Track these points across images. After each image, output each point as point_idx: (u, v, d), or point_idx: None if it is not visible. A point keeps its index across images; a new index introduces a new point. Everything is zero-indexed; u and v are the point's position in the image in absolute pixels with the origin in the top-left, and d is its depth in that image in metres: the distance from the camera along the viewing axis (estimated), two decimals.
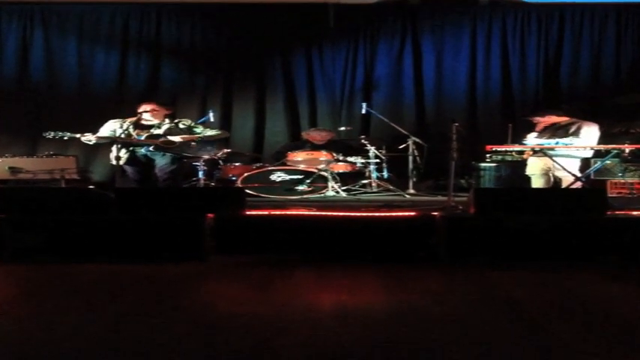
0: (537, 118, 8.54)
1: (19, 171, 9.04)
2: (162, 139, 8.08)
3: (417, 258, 5.36)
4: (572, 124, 8.13)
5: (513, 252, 5.31)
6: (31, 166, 9.14)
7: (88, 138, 7.96)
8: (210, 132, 8.55)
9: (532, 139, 8.03)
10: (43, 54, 11.39)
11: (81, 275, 4.85)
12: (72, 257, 5.31)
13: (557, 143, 7.73)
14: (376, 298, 4.15)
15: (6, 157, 9.31)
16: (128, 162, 8.08)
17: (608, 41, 11.34)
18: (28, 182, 8.97)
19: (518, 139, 8.01)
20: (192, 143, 8.24)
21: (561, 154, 7.75)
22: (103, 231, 5.48)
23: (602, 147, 7.76)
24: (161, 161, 8.15)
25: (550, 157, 7.72)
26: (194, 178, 9.15)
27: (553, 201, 5.89)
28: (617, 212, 6.00)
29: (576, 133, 7.91)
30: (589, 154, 8.00)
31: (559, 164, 7.67)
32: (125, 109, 9.10)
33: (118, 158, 7.75)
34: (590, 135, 7.92)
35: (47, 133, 8.03)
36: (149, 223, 5.50)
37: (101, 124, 8.27)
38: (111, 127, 8.13)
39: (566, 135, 7.91)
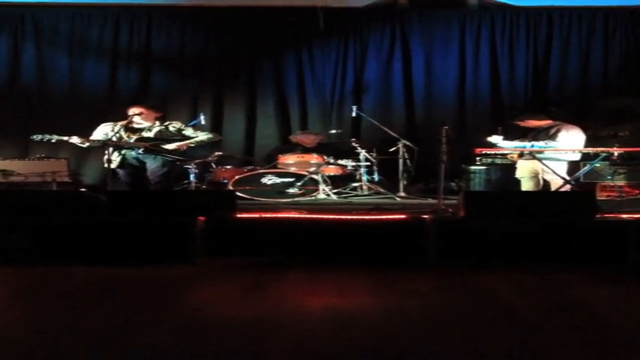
0: (518, 122, 8.60)
1: (11, 174, 9.02)
2: (151, 142, 8.07)
3: (407, 260, 5.38)
4: (552, 127, 8.17)
5: (503, 255, 5.34)
6: (23, 168, 9.11)
7: (77, 140, 7.93)
8: (203, 136, 8.52)
9: (500, 142, 8.07)
10: (33, 56, 11.35)
11: (71, 278, 4.86)
12: (63, 260, 5.31)
13: (532, 146, 7.79)
14: (366, 300, 4.17)
15: None
16: (120, 165, 8.07)
17: (596, 44, 11.38)
18: (20, 185, 8.96)
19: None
20: (184, 148, 8.24)
21: (547, 157, 7.78)
22: (95, 234, 5.48)
23: (590, 150, 7.79)
24: (152, 164, 8.12)
25: (540, 160, 7.76)
26: (185, 181, 9.14)
27: (543, 204, 5.91)
28: (606, 215, 6.04)
29: (554, 137, 7.95)
30: (576, 156, 8.02)
31: (549, 167, 7.70)
32: (116, 112, 9.06)
33: (109, 161, 7.75)
34: (568, 138, 7.96)
35: (34, 136, 8.00)
36: (140, 226, 5.51)
37: (92, 127, 8.27)
38: (103, 130, 8.11)
39: (545, 138, 7.96)
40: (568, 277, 4.91)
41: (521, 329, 3.45)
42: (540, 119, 8.43)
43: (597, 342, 3.22)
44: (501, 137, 8.14)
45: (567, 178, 7.76)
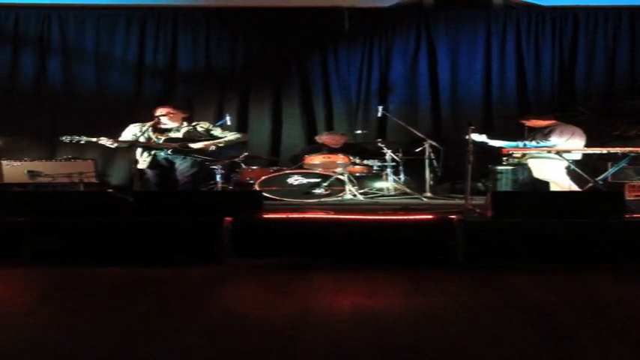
0: (523, 122, 8.62)
1: (38, 174, 9.10)
2: (180, 143, 8.08)
3: (435, 261, 5.37)
4: (547, 127, 8.18)
5: (531, 255, 5.31)
6: (50, 169, 9.19)
7: (106, 141, 7.93)
8: (231, 136, 8.50)
9: (486, 141, 8.07)
10: (60, 58, 11.45)
11: (100, 278, 4.88)
12: (91, 260, 5.35)
13: (524, 145, 7.81)
14: (394, 301, 4.15)
15: (25, 160, 9.37)
16: (150, 165, 8.08)
17: (623, 43, 11.33)
18: (47, 186, 9.03)
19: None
20: (212, 147, 8.22)
21: (544, 157, 7.80)
22: (122, 234, 5.51)
23: (618, 150, 7.74)
24: (182, 165, 8.12)
25: (566, 159, 7.73)
26: (212, 182, 9.17)
27: (570, 204, 5.88)
28: (635, 215, 5.99)
29: (547, 136, 7.98)
30: (576, 156, 7.96)
31: (574, 166, 7.68)
32: (142, 113, 9.08)
33: (136, 162, 7.78)
34: (559, 138, 7.94)
35: (64, 138, 8.03)
36: (167, 227, 5.53)
37: (119, 128, 8.29)
38: (132, 131, 8.11)
39: (540, 138, 7.98)
40: (597, 277, 4.88)
41: (551, 330, 3.42)
42: (544, 119, 8.44)
43: (629, 343, 3.19)
44: (485, 135, 8.15)
45: (569, 179, 7.78)
